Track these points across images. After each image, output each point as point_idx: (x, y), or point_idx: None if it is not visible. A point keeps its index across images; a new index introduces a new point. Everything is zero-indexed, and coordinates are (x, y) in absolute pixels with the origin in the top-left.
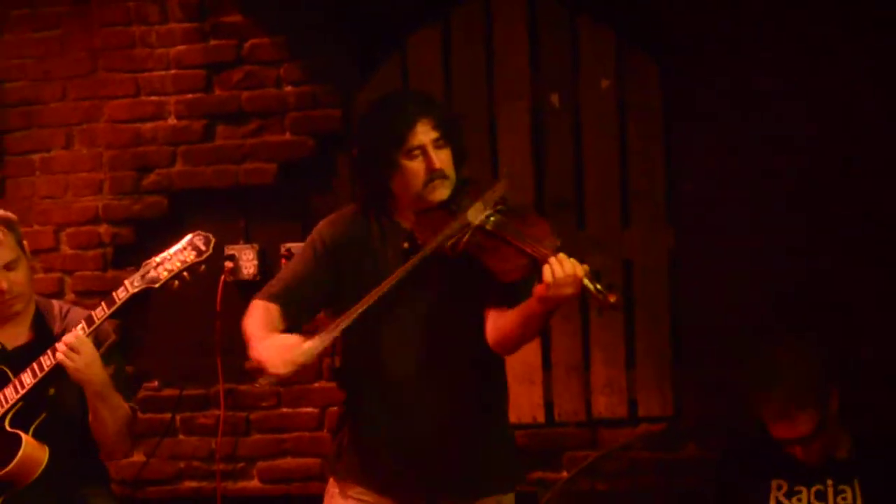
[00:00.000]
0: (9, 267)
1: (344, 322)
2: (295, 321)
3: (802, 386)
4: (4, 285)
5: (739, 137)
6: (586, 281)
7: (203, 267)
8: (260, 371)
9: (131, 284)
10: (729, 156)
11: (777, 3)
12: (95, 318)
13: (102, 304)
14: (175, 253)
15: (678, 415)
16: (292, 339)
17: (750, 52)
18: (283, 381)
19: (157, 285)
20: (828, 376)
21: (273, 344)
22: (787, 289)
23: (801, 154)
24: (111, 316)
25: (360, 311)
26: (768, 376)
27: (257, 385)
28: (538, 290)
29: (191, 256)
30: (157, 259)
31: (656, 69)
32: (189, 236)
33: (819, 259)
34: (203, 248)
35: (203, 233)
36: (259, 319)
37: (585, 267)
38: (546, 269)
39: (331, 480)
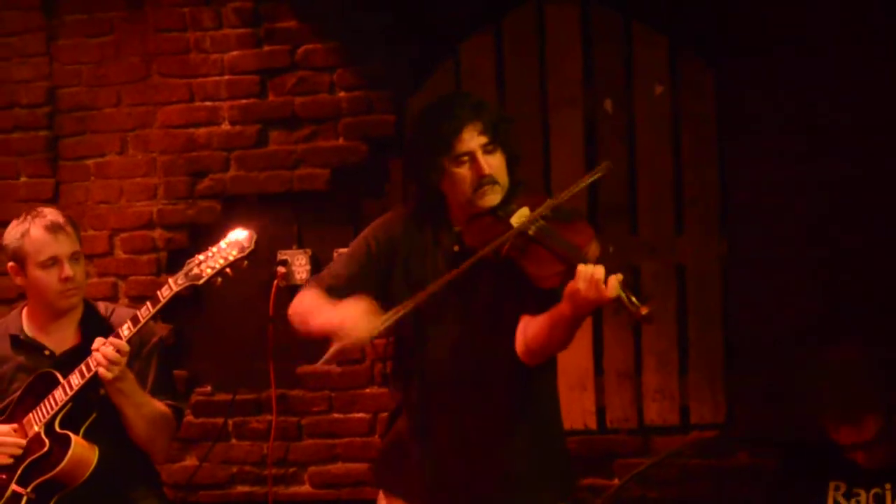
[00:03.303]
0: (73, 258)
1: (409, 306)
2: None
3: (867, 389)
4: (70, 272)
5: (794, 145)
6: (620, 290)
7: (246, 263)
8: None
9: (175, 283)
10: (783, 163)
11: (834, 9)
12: (141, 318)
13: (147, 303)
14: (218, 250)
15: (730, 422)
16: (363, 305)
17: (805, 59)
18: (344, 357)
19: (200, 282)
20: (891, 381)
21: (347, 309)
22: (840, 297)
23: (856, 162)
24: (163, 317)
25: (425, 297)
26: (832, 380)
27: (322, 362)
28: (568, 287)
29: (233, 253)
30: (201, 257)
31: (711, 76)
32: (231, 233)
33: (874, 267)
34: (246, 244)
35: (246, 229)
36: (316, 296)
37: (619, 276)
38: (581, 270)
39: (380, 493)
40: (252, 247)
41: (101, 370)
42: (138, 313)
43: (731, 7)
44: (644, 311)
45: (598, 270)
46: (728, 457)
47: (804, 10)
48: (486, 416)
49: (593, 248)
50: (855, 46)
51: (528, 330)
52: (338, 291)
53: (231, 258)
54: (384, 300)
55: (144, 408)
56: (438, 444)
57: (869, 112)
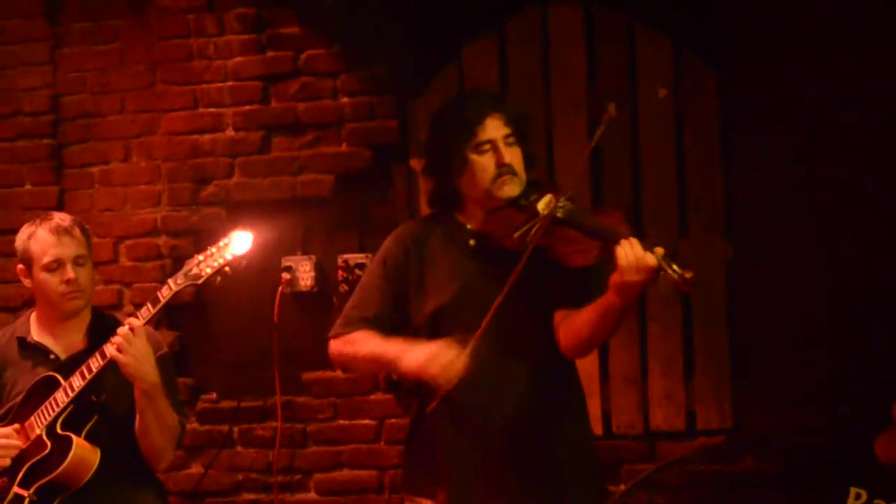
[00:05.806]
0: (77, 262)
1: (483, 326)
2: None
3: None
4: (73, 275)
5: (798, 147)
6: (662, 261)
7: (244, 262)
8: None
9: (175, 282)
10: (787, 165)
11: (835, 11)
12: (140, 318)
13: (147, 304)
14: (217, 250)
15: (737, 427)
16: (436, 347)
17: (808, 60)
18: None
19: (200, 281)
20: None
21: (426, 354)
22: (848, 298)
23: (863, 162)
24: (168, 324)
25: (493, 311)
26: None
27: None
28: (613, 279)
29: (232, 252)
30: (200, 257)
31: (713, 78)
32: (230, 233)
33: (881, 270)
34: (244, 243)
35: (244, 231)
36: (377, 337)
37: (660, 249)
38: (619, 251)
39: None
40: (251, 246)
41: (112, 349)
42: (138, 313)
43: (732, 7)
44: (688, 275)
45: (635, 243)
46: (735, 462)
47: (807, 9)
48: (519, 411)
49: (625, 227)
50: (859, 46)
51: (573, 325)
52: (379, 324)
53: (230, 257)
54: (404, 306)
55: (166, 418)
56: (472, 442)
57: (875, 111)
